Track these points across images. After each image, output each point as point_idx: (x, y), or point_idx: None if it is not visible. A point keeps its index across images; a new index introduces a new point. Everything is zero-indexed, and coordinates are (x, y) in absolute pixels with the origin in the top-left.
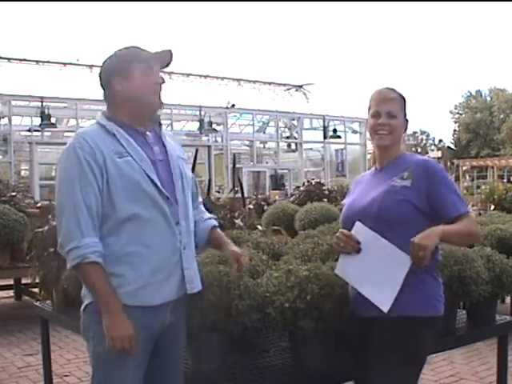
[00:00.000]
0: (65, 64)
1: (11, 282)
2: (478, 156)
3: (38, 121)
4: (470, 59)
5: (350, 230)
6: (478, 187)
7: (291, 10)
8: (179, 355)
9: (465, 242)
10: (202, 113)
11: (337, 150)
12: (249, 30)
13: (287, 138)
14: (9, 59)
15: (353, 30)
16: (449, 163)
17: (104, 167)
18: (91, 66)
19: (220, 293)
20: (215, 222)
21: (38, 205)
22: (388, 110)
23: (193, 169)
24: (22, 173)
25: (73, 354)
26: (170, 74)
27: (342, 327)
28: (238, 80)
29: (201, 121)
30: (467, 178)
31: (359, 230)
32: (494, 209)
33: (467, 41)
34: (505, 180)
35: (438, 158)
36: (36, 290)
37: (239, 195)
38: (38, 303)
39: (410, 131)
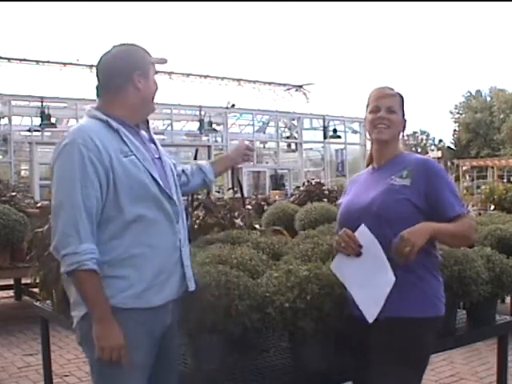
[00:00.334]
0: (65, 64)
1: (11, 282)
2: (478, 156)
3: (38, 121)
4: (469, 59)
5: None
6: (478, 187)
7: (291, 10)
8: (176, 355)
9: (457, 244)
10: (202, 113)
11: (337, 150)
12: (249, 30)
13: (287, 137)
14: (9, 59)
15: (353, 30)
16: (449, 163)
17: (110, 168)
18: (91, 66)
19: (219, 293)
20: (200, 164)
21: (38, 205)
22: (388, 105)
23: None
24: (22, 173)
25: (73, 353)
26: (169, 74)
27: (342, 327)
28: (238, 80)
29: (201, 121)
30: (467, 177)
31: (363, 234)
32: (494, 209)
33: (467, 41)
34: (505, 180)
35: (438, 158)
36: (36, 289)
37: (239, 195)
38: (37, 303)
39: (410, 131)
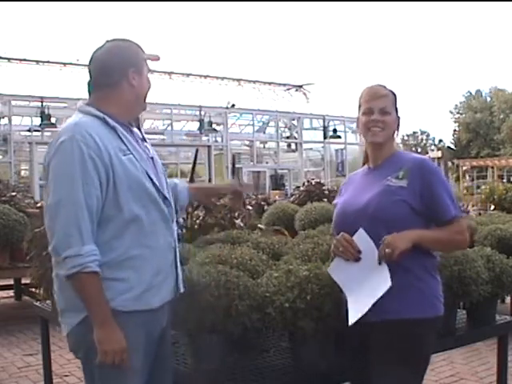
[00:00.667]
0: (65, 64)
1: (11, 282)
2: (478, 156)
3: (38, 121)
4: (470, 59)
5: (343, 231)
6: (478, 187)
7: (291, 10)
8: (170, 355)
9: (447, 250)
10: (202, 113)
11: (337, 150)
12: (249, 30)
13: (287, 137)
14: (9, 59)
15: (353, 30)
16: (449, 163)
17: (110, 166)
18: None
19: (219, 293)
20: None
21: (38, 205)
22: (381, 107)
23: (193, 169)
24: (22, 173)
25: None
26: (169, 74)
27: (342, 327)
28: (238, 80)
29: (201, 121)
30: (467, 177)
31: (361, 238)
32: (494, 209)
33: (467, 41)
34: (505, 180)
35: (438, 158)
36: (36, 289)
37: None
38: (37, 303)
39: (410, 131)
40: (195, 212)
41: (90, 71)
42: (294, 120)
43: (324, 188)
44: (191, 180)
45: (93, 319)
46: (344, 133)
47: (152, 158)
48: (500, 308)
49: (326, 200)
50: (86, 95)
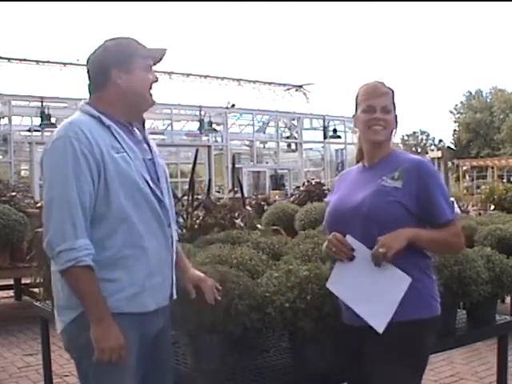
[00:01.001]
0: (65, 64)
1: (11, 282)
2: (478, 156)
3: (38, 121)
4: (470, 59)
5: (335, 229)
6: (478, 187)
7: (291, 9)
8: (170, 359)
9: (442, 251)
10: (202, 113)
11: (337, 150)
12: (249, 29)
13: (287, 137)
14: (9, 59)
15: (353, 30)
16: (449, 163)
17: (102, 162)
18: None
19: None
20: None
21: (38, 205)
22: (383, 105)
23: (193, 169)
24: (22, 173)
25: None
26: (169, 74)
27: (341, 329)
28: (238, 80)
29: (201, 121)
30: (467, 177)
31: (352, 243)
32: (494, 209)
33: (467, 41)
34: (505, 180)
35: (438, 158)
36: (36, 289)
37: (239, 195)
38: (38, 303)
39: (410, 131)
40: (195, 212)
41: (87, 71)
42: (293, 120)
43: (324, 188)
44: (191, 180)
45: (89, 316)
46: (344, 133)
47: (151, 159)
48: (500, 308)
49: None
50: (86, 95)
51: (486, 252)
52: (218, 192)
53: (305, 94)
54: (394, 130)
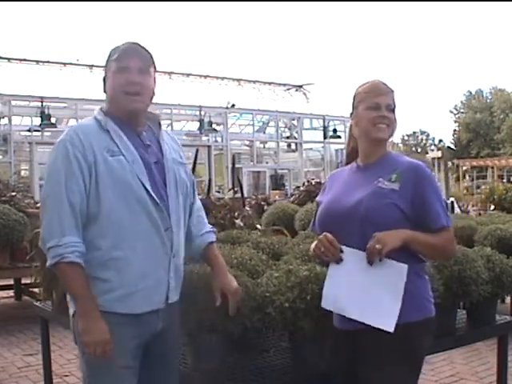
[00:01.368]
0: (65, 64)
1: (11, 282)
2: (478, 156)
3: (38, 121)
4: (470, 59)
5: (329, 230)
6: (478, 187)
7: (291, 9)
8: (173, 360)
9: (434, 256)
10: (202, 113)
11: (337, 150)
12: (249, 29)
13: (287, 137)
14: (9, 59)
15: (353, 30)
16: (449, 163)
17: (94, 164)
18: (91, 66)
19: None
20: (213, 237)
21: (38, 205)
22: (387, 103)
23: (193, 169)
24: (22, 173)
25: (73, 353)
26: (170, 74)
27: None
28: (238, 80)
29: (201, 121)
30: (467, 177)
31: (345, 251)
32: (494, 209)
33: (467, 41)
34: (505, 180)
35: (438, 158)
36: (36, 289)
37: (239, 195)
38: (38, 303)
39: (410, 131)
40: None
41: None
42: (294, 120)
43: None
44: None
45: (76, 309)
46: (344, 133)
47: (157, 163)
48: (500, 308)
49: None
50: (86, 95)
51: (485, 252)
52: (218, 192)
53: (305, 93)
54: (394, 130)
